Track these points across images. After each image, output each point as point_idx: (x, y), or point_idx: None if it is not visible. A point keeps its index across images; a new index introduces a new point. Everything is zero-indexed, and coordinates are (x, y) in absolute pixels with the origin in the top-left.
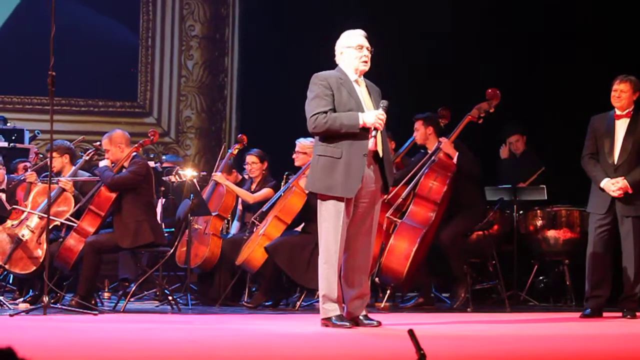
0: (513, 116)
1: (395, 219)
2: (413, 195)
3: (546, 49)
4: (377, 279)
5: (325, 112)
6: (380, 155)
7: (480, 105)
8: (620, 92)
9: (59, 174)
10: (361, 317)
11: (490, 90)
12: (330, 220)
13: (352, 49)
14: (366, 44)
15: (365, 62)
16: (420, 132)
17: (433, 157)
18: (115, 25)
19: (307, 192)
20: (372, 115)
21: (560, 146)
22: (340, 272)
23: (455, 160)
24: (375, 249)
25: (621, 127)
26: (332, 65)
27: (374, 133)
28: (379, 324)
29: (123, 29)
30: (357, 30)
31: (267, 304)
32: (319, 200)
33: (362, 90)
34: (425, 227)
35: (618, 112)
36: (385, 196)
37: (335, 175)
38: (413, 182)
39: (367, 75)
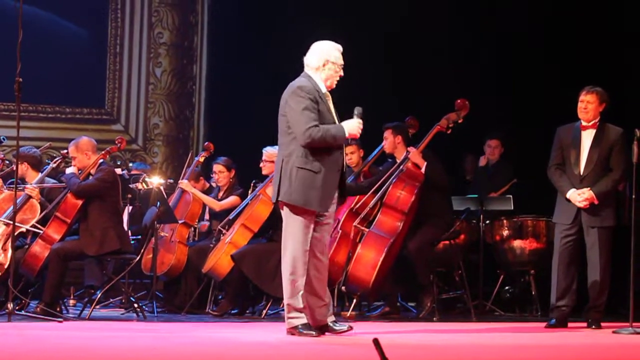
0: (482, 127)
1: (363, 228)
2: (380, 205)
3: (514, 60)
4: (343, 288)
5: (317, 125)
6: (344, 168)
7: (449, 115)
8: (587, 103)
9: (21, 180)
10: (330, 323)
11: (459, 101)
12: (300, 232)
13: (336, 66)
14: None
15: (337, 82)
16: (389, 141)
17: (401, 167)
18: (83, 32)
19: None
20: (355, 126)
21: (527, 156)
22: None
23: (423, 170)
24: (342, 257)
25: (587, 138)
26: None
27: (349, 141)
28: (350, 327)
29: (91, 36)
30: (339, 46)
31: (233, 312)
32: (286, 211)
33: (331, 104)
34: (392, 237)
35: (584, 123)
36: (354, 205)
37: (312, 190)
38: (381, 192)
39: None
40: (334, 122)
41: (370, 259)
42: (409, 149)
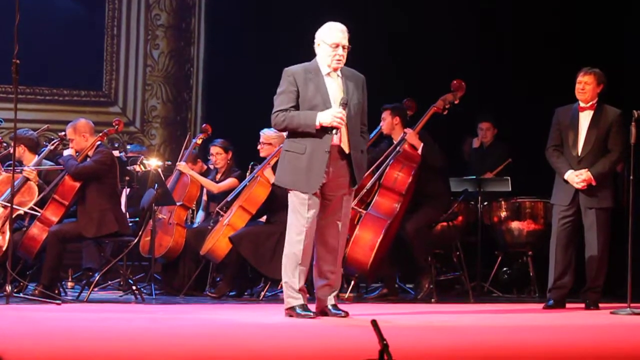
0: (479, 108)
1: (360, 210)
2: (378, 186)
3: (513, 41)
4: (341, 270)
5: (286, 110)
6: (347, 151)
7: (445, 96)
8: (585, 84)
9: (19, 163)
10: (330, 307)
11: (455, 82)
12: (295, 212)
13: (327, 46)
14: (343, 42)
15: (339, 61)
16: (387, 122)
17: (398, 148)
18: (80, 13)
19: (271, 182)
20: (329, 115)
21: (525, 138)
22: (312, 262)
23: (420, 151)
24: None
25: (585, 119)
26: (301, 54)
27: (334, 132)
28: (347, 314)
29: (88, 18)
30: (337, 25)
31: (231, 294)
32: (289, 192)
33: (334, 84)
34: (390, 218)
35: (582, 105)
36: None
37: (298, 171)
38: (378, 173)
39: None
40: (324, 103)
41: (368, 240)
42: (405, 130)
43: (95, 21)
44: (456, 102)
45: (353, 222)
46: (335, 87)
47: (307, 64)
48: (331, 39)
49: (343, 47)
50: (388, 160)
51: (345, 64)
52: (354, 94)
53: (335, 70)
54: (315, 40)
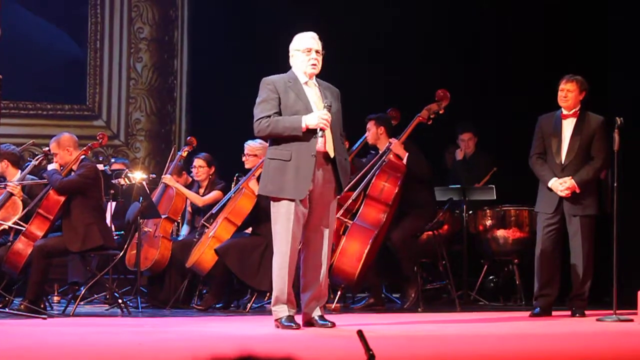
0: (463, 117)
1: (346, 220)
2: (364, 196)
3: (496, 49)
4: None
5: (269, 117)
6: (331, 155)
7: (429, 106)
8: (567, 91)
9: (2, 178)
10: (316, 318)
11: (440, 92)
12: (282, 222)
13: (300, 52)
14: (316, 46)
15: (314, 65)
16: (372, 132)
17: (383, 158)
18: (62, 27)
19: (256, 194)
20: (315, 116)
21: (509, 146)
22: (298, 272)
23: (405, 161)
24: None
25: (568, 126)
26: (282, 66)
27: (320, 133)
28: (333, 325)
29: (71, 31)
30: (307, 33)
31: (217, 306)
32: (271, 203)
33: (313, 92)
34: (376, 229)
35: (565, 112)
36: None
37: (285, 178)
38: (363, 183)
39: (319, 76)
40: (306, 110)
41: (355, 251)
42: (390, 140)
43: (78, 35)
44: (441, 111)
45: (339, 232)
46: (314, 94)
47: (284, 75)
48: (303, 45)
49: (317, 52)
50: (374, 170)
51: (327, 75)
52: (333, 103)
53: (311, 75)
54: (289, 54)
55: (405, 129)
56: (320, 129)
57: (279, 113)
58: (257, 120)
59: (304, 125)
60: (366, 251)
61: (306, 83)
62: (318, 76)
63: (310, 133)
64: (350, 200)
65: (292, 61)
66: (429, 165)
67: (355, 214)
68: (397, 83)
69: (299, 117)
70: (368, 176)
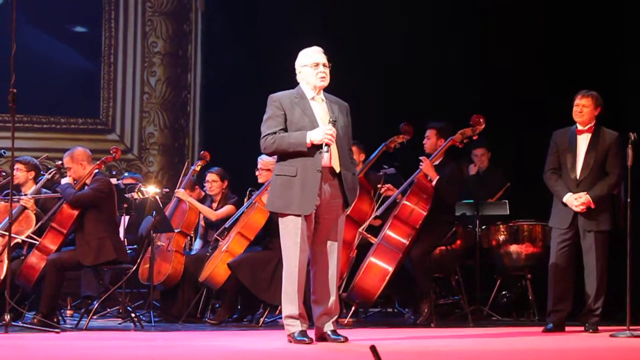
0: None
1: (370, 236)
2: (391, 216)
3: (512, 65)
4: (344, 294)
5: (274, 133)
6: (337, 170)
7: (464, 130)
8: (582, 107)
9: (19, 187)
10: (329, 332)
11: (475, 117)
12: (290, 237)
13: (308, 67)
14: (322, 60)
15: (323, 78)
16: (432, 142)
17: (412, 178)
18: (77, 41)
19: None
20: (319, 131)
21: (523, 161)
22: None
23: (434, 183)
24: (342, 264)
25: (583, 142)
26: (296, 80)
27: (325, 149)
28: (346, 339)
29: (85, 45)
30: (312, 48)
31: (230, 320)
32: (279, 219)
33: (319, 107)
34: (401, 252)
35: (580, 127)
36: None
37: (291, 193)
38: (388, 201)
39: (329, 89)
40: (312, 126)
41: (380, 271)
42: (422, 158)
43: (92, 49)
44: (475, 137)
45: (352, 246)
46: (320, 110)
47: (291, 91)
48: (310, 59)
49: (324, 65)
50: (402, 188)
51: (337, 91)
52: (340, 117)
53: (320, 89)
54: (296, 70)
55: (437, 151)
56: (326, 144)
57: (285, 129)
58: (263, 137)
59: (309, 140)
60: (390, 273)
61: (313, 98)
62: (328, 89)
63: (316, 148)
64: (371, 218)
65: (299, 77)
66: (459, 195)
67: (378, 230)
68: (411, 97)
69: (304, 133)
70: (395, 194)
